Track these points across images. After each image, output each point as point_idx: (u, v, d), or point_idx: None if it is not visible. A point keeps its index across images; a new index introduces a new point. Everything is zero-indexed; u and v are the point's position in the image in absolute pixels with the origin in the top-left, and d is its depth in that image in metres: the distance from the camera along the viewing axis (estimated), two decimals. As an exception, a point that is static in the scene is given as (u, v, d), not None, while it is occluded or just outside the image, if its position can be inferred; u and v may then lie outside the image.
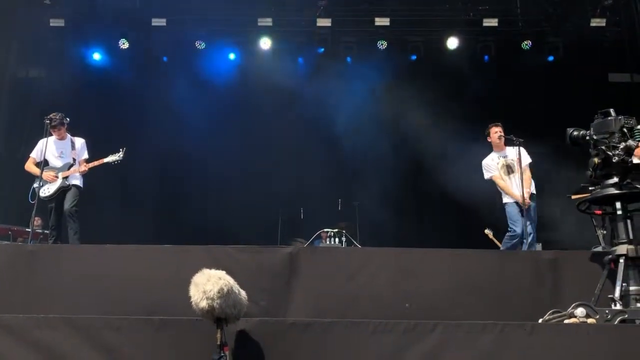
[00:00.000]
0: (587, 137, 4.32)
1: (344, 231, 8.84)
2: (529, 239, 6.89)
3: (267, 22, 10.99)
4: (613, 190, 4.15)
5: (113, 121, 10.83)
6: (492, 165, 7.29)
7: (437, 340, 3.19)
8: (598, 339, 3.28)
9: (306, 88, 11.07)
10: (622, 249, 4.03)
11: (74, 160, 7.13)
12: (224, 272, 3.08)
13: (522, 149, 7.02)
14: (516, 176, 7.08)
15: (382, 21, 10.96)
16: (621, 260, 4.01)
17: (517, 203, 7.11)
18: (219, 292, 2.96)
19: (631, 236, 4.09)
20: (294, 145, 10.69)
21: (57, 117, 7.06)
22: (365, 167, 10.57)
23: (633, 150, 4.09)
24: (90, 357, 3.22)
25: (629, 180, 4.08)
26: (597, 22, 10.89)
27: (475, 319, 3.73)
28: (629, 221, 4.15)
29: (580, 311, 3.78)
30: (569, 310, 3.83)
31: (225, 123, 10.94)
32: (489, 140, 7.43)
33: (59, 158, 7.14)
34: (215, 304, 2.95)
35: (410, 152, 10.49)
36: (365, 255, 5.25)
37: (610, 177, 4.17)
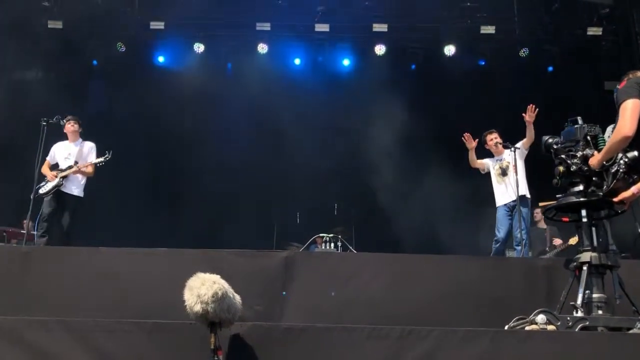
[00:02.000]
0: (552, 146, 4.35)
1: (339, 236, 8.82)
2: (521, 246, 6.92)
3: (265, 26, 11.02)
4: (576, 198, 4.17)
5: (109, 123, 10.82)
6: (487, 164, 7.45)
7: (431, 346, 3.18)
8: (586, 346, 3.28)
9: (303, 92, 11.11)
10: (586, 256, 4.05)
11: (76, 162, 7.28)
12: (218, 276, 3.07)
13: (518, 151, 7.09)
14: (509, 179, 7.15)
15: (380, 27, 11.00)
16: (584, 268, 4.03)
17: (506, 207, 7.19)
18: (213, 296, 2.95)
19: (595, 244, 4.11)
20: (291, 150, 10.69)
21: (67, 118, 7.45)
22: (363, 173, 10.58)
23: (589, 159, 4.13)
24: (82, 359, 3.21)
25: (593, 188, 4.10)
26: (593, 31, 10.96)
27: (470, 326, 3.73)
28: (593, 229, 4.17)
29: (540, 318, 3.79)
30: (531, 317, 3.86)
31: (221, 127, 10.94)
32: (486, 147, 7.49)
33: (65, 160, 7.39)
34: (209, 308, 2.94)
35: (409, 155, 10.50)
36: (360, 261, 5.26)
37: (576, 185, 4.20)
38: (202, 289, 2.96)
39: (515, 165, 7.06)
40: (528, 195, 7.15)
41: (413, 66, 11.55)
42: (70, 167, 7.27)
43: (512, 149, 7.10)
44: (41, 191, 7.13)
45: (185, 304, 2.99)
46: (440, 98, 10.79)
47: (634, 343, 3.31)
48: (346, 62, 11.56)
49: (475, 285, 4.61)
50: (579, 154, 4.18)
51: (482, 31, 10.94)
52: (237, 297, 3.16)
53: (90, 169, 7.33)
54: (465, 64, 11.26)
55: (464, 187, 8.90)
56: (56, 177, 7.19)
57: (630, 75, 4.20)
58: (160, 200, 10.86)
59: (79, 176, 7.31)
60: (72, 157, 7.36)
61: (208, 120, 11.00)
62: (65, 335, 3.29)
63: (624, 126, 3.90)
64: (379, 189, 10.26)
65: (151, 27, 11.02)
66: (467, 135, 7.48)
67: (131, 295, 4.64)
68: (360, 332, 3.33)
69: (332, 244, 8.71)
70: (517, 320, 3.91)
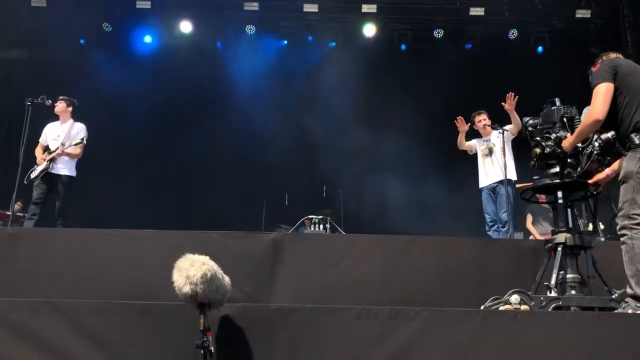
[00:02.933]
0: (528, 128, 4.39)
1: (328, 218, 8.85)
2: (505, 227, 6.96)
3: (254, 6, 10.91)
4: (551, 180, 4.22)
5: (95, 103, 10.68)
6: (474, 145, 7.50)
7: (420, 327, 3.20)
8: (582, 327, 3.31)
9: (291, 72, 11.05)
10: (561, 237, 4.10)
11: (63, 144, 7.16)
12: (207, 257, 3.06)
13: (507, 133, 7.10)
14: (495, 160, 7.17)
15: (369, 8, 10.93)
16: (559, 249, 4.08)
17: (488, 189, 7.24)
18: (202, 277, 2.94)
19: (570, 225, 4.16)
20: (279, 131, 10.65)
21: (59, 98, 7.35)
22: (350, 154, 10.57)
23: (562, 141, 4.17)
24: (72, 340, 3.19)
25: (569, 170, 4.14)
26: (582, 13, 10.97)
27: (459, 306, 3.76)
28: (569, 210, 4.22)
29: (514, 298, 3.85)
30: (505, 297, 3.91)
31: (209, 108, 10.88)
32: (475, 128, 7.50)
33: (54, 141, 7.24)
34: (198, 289, 2.92)
35: (394, 138, 10.50)
36: (349, 242, 5.27)
37: (552, 166, 4.24)
38: (191, 270, 2.94)
39: (504, 148, 7.06)
40: (515, 178, 7.17)
41: (402, 47, 11.50)
42: (57, 149, 7.13)
43: (501, 130, 7.10)
44: (32, 175, 7.04)
45: (174, 285, 2.97)
46: (429, 79, 10.74)
47: (607, 322, 3.34)
48: (333, 43, 11.49)
49: (465, 266, 4.64)
50: (553, 136, 4.22)
51: (471, 13, 10.91)
52: (227, 278, 3.15)
53: (77, 150, 7.15)
54: (455, 45, 11.25)
55: (454, 168, 8.92)
56: (44, 160, 7.06)
57: (604, 58, 4.22)
58: (147, 181, 10.79)
59: (65, 157, 7.14)
60: (60, 138, 7.20)
61: (196, 100, 10.92)
62: (52, 316, 3.27)
63: (595, 110, 3.92)
64: (367, 170, 10.27)
65: (137, 6, 10.88)
66: (460, 118, 7.47)
67: (119, 276, 4.62)
68: (348, 312, 3.33)
69: (321, 226, 8.75)
70: (493, 300, 3.97)
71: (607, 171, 4.20)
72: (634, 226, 3.71)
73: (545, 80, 10.19)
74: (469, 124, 7.49)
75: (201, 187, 10.81)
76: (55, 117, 7.42)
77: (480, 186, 7.38)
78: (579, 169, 4.09)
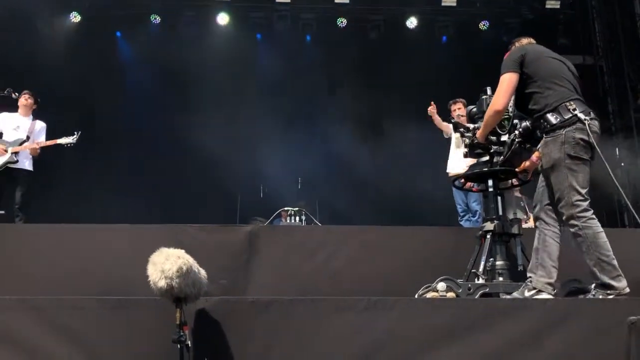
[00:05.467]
0: (470, 117, 4.48)
1: (303, 210, 8.84)
2: (476, 216, 7.04)
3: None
4: (480, 169, 4.32)
5: (68, 95, 10.49)
6: (450, 130, 7.45)
7: (397, 316, 3.23)
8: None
9: (265, 64, 10.99)
10: (490, 225, 4.19)
11: (28, 138, 6.90)
12: (182, 250, 3.03)
13: None
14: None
15: (341, -1, 10.92)
16: (488, 236, 4.17)
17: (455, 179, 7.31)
18: (177, 271, 2.91)
19: (500, 213, 4.24)
20: (253, 123, 10.59)
21: (24, 92, 7.02)
22: (325, 146, 10.57)
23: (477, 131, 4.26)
24: (47, 337, 3.14)
25: (497, 159, 4.21)
26: (552, 4, 11.12)
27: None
28: (499, 198, 4.30)
29: (441, 285, 3.94)
30: (433, 284, 3.99)
31: (182, 99, 10.76)
32: (450, 117, 7.53)
33: (13, 131, 6.91)
34: (174, 283, 2.90)
35: (370, 130, 10.53)
36: (325, 234, 5.28)
37: (482, 155, 4.33)
38: (167, 264, 2.91)
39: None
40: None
41: (375, 38, 11.50)
42: (22, 142, 6.84)
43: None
44: None
45: (149, 279, 2.94)
46: (402, 70, 10.79)
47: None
48: (307, 35, 11.45)
49: (440, 255, 4.69)
50: (471, 126, 4.33)
51: (443, 3, 10.97)
52: (203, 272, 3.13)
53: (38, 148, 6.87)
54: (427, 36, 11.31)
55: (428, 158, 8.96)
56: (6, 151, 6.72)
57: (516, 44, 4.28)
58: (118, 175, 10.64)
59: (28, 150, 6.87)
60: (22, 130, 6.91)
61: (167, 93, 10.77)
62: (26, 314, 3.21)
63: (496, 101, 3.96)
64: (342, 162, 10.27)
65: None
66: (432, 106, 7.43)
67: (93, 272, 4.55)
68: (326, 303, 3.35)
69: (297, 218, 8.72)
70: (425, 288, 4.06)
71: (533, 157, 4.28)
72: (581, 214, 3.65)
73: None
74: (434, 106, 7.46)
75: (174, 179, 10.70)
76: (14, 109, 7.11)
77: (448, 171, 7.36)
78: (501, 157, 4.17)
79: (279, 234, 5.34)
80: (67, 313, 3.23)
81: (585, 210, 3.66)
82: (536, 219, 3.95)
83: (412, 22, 11.15)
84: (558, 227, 3.86)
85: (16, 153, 6.77)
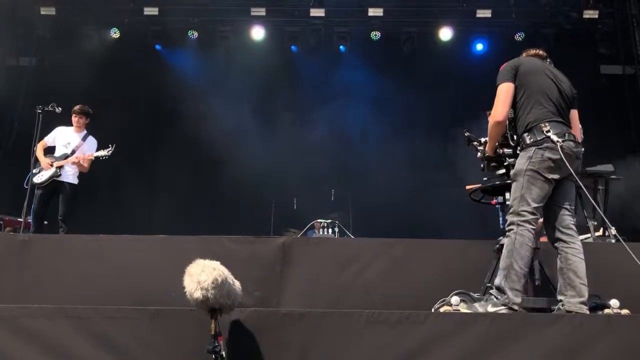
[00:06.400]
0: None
1: (336, 222, 8.85)
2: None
3: (261, 12, 10.96)
4: (497, 182, 4.30)
5: (104, 110, 10.76)
6: None
7: (429, 330, 3.22)
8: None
9: (299, 77, 11.08)
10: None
11: (73, 152, 7.14)
12: (218, 262, 3.09)
13: None
14: None
15: (375, 12, 10.96)
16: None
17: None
18: (213, 283, 2.96)
19: None
20: (288, 135, 10.68)
21: (78, 107, 7.24)
22: (360, 158, 10.58)
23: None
24: (85, 346, 3.23)
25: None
26: (589, 14, 10.94)
27: (468, 309, 3.76)
28: None
29: (454, 300, 3.87)
30: (447, 298, 3.93)
31: (218, 111, 10.91)
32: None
33: (63, 147, 7.18)
34: (209, 294, 2.95)
35: (407, 141, 10.48)
36: (358, 246, 5.28)
37: (497, 168, 4.27)
38: (202, 275, 2.97)
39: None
40: None
41: (409, 51, 11.49)
42: (66, 156, 7.08)
43: None
44: (36, 180, 6.94)
45: (185, 290, 3.00)
46: (436, 83, 10.75)
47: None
48: (342, 47, 11.50)
49: (474, 269, 4.63)
50: (482, 140, 4.30)
51: (478, 15, 10.90)
52: (237, 283, 3.18)
53: (87, 164, 7.11)
54: (462, 48, 11.24)
55: (462, 171, 8.89)
56: (51, 165, 6.98)
57: (523, 54, 4.29)
58: (156, 187, 10.86)
59: (75, 166, 7.13)
60: (71, 146, 7.16)
61: (204, 106, 10.95)
62: (65, 323, 3.31)
63: (494, 112, 3.97)
64: (377, 174, 10.26)
65: (145, 12, 10.95)
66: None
67: (130, 282, 4.64)
68: (358, 316, 3.35)
69: (330, 230, 8.74)
70: (440, 302, 4.02)
71: None
72: (522, 223, 3.71)
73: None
74: None
75: (208, 192, 10.85)
76: (62, 123, 7.38)
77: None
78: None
79: (312, 245, 5.35)
80: (106, 322, 3.31)
81: (527, 222, 3.72)
82: (553, 241, 3.89)
83: (446, 34, 11.09)
84: (577, 242, 3.81)
85: (60, 167, 7.02)
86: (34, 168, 7.04)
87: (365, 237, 7.06)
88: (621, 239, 3.94)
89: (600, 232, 6.37)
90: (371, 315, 3.32)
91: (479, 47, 11.29)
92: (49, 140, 7.27)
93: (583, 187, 3.88)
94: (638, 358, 3.10)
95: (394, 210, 10.12)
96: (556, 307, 3.78)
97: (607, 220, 4.97)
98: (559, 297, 3.77)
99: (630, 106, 10.86)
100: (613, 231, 6.37)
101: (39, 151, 7.09)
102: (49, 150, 7.27)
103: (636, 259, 3.46)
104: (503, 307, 3.59)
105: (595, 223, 6.31)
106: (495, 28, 11.19)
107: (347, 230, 8.89)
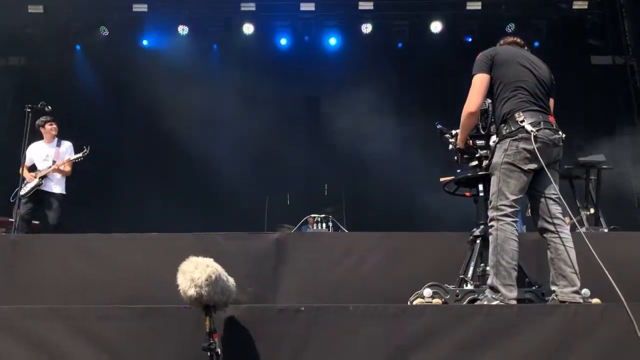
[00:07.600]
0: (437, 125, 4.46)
1: (330, 217, 8.84)
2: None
3: (250, 6, 10.91)
4: (471, 173, 4.25)
5: (93, 108, 10.71)
6: None
7: (426, 324, 3.21)
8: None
9: (290, 72, 11.04)
10: (479, 230, 4.15)
11: (54, 162, 7.27)
12: (211, 259, 3.06)
13: None
14: None
15: (365, 5, 10.93)
16: (478, 241, 4.12)
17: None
18: (207, 280, 2.94)
19: None
20: (280, 131, 10.64)
21: (43, 119, 7.35)
22: (352, 153, 10.56)
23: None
24: (77, 346, 3.20)
25: (486, 163, 4.11)
26: (579, 5, 10.96)
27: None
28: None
29: (426, 292, 3.89)
30: (420, 290, 3.94)
31: (209, 109, 10.87)
32: None
33: (43, 162, 7.34)
34: (203, 292, 2.93)
35: (397, 134, 10.47)
36: (352, 240, 5.26)
37: (470, 160, 4.25)
38: (196, 272, 2.94)
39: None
40: None
41: (400, 44, 11.48)
42: (49, 167, 7.23)
43: None
44: (21, 193, 7.05)
45: (179, 288, 2.97)
46: (427, 75, 10.75)
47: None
48: (332, 41, 11.47)
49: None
50: (453, 132, 4.27)
51: (468, 7, 10.90)
52: (231, 280, 3.15)
53: (68, 168, 7.30)
54: (452, 40, 11.23)
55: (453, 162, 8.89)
56: (34, 177, 7.16)
57: (501, 42, 4.24)
58: (148, 184, 10.79)
59: (58, 175, 7.28)
60: (50, 157, 7.32)
61: (195, 103, 10.89)
62: (58, 323, 3.27)
63: (467, 103, 3.93)
64: (369, 168, 10.25)
65: (134, 9, 10.88)
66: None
67: (123, 280, 4.62)
68: (354, 311, 3.33)
69: (324, 225, 8.72)
70: (415, 295, 4.02)
71: None
72: (501, 217, 3.69)
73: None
74: None
75: (201, 188, 10.80)
76: (39, 137, 7.44)
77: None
78: (486, 162, 4.10)
79: (306, 241, 5.34)
80: (98, 321, 3.28)
81: (506, 215, 3.70)
82: (541, 231, 3.87)
83: (436, 27, 11.08)
84: (565, 231, 3.79)
85: (43, 177, 7.17)
86: (20, 186, 7.08)
87: (360, 232, 7.04)
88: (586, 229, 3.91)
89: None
90: (367, 310, 3.31)
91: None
92: (28, 160, 7.33)
93: (550, 176, 3.77)
94: (633, 346, 3.09)
95: (388, 203, 10.12)
96: (550, 297, 3.79)
97: (600, 212, 4.98)
98: (552, 288, 3.76)
99: (620, 96, 10.91)
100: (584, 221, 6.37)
101: (25, 172, 7.17)
102: (32, 169, 7.37)
103: (593, 250, 3.42)
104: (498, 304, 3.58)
105: (589, 213, 6.34)
106: (485, 20, 11.17)
107: (341, 224, 8.88)
